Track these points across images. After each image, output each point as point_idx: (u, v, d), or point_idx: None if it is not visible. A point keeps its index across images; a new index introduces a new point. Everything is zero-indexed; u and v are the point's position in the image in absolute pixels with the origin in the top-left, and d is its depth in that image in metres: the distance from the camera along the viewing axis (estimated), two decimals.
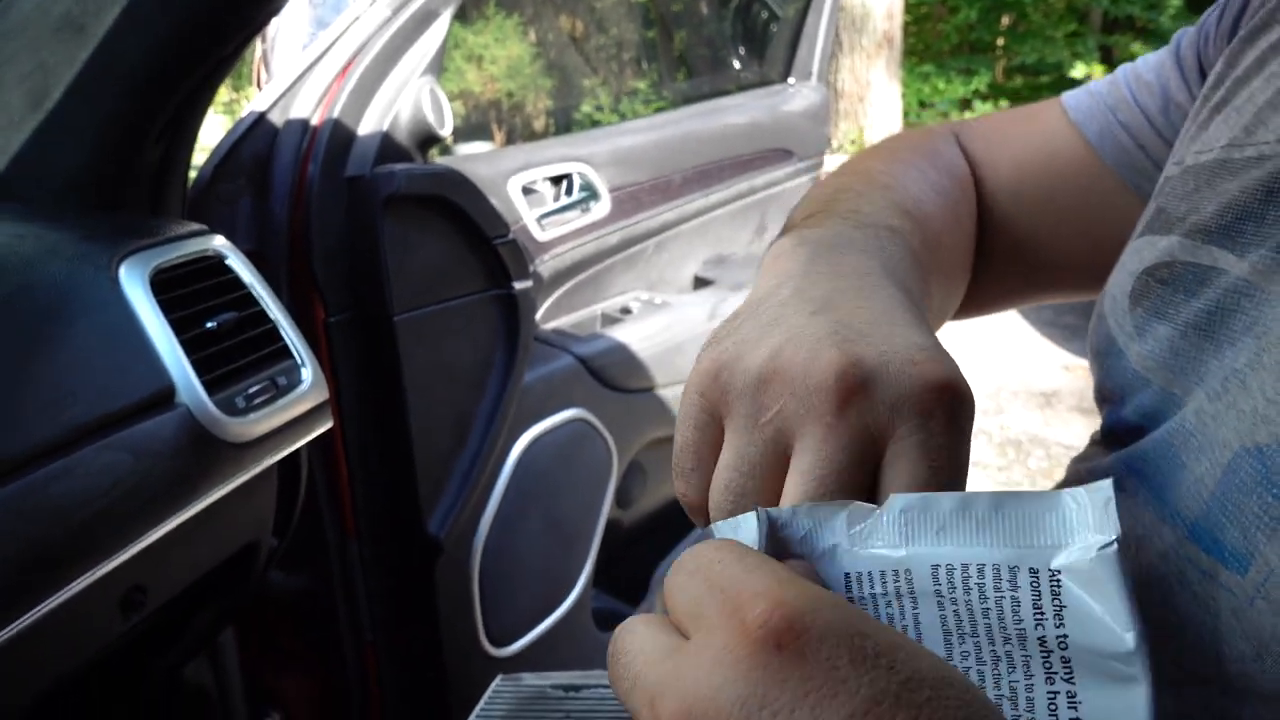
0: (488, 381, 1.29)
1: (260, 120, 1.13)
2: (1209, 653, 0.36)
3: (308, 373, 0.86)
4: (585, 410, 1.43)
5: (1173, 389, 0.42)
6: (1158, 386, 0.43)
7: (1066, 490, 0.30)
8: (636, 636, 0.29)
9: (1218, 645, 0.36)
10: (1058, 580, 0.29)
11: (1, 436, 0.64)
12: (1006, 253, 0.65)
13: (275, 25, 1.24)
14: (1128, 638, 0.28)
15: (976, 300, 0.67)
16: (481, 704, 1.01)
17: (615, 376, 1.47)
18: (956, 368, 0.36)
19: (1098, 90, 0.63)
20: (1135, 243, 0.49)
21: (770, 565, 0.28)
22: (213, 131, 1.14)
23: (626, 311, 1.66)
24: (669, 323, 1.59)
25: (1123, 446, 0.45)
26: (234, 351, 0.81)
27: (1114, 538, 0.28)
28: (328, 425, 0.89)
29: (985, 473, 3.27)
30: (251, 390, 0.80)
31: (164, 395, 0.74)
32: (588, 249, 1.56)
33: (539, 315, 1.53)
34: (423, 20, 1.21)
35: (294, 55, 1.20)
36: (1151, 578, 0.40)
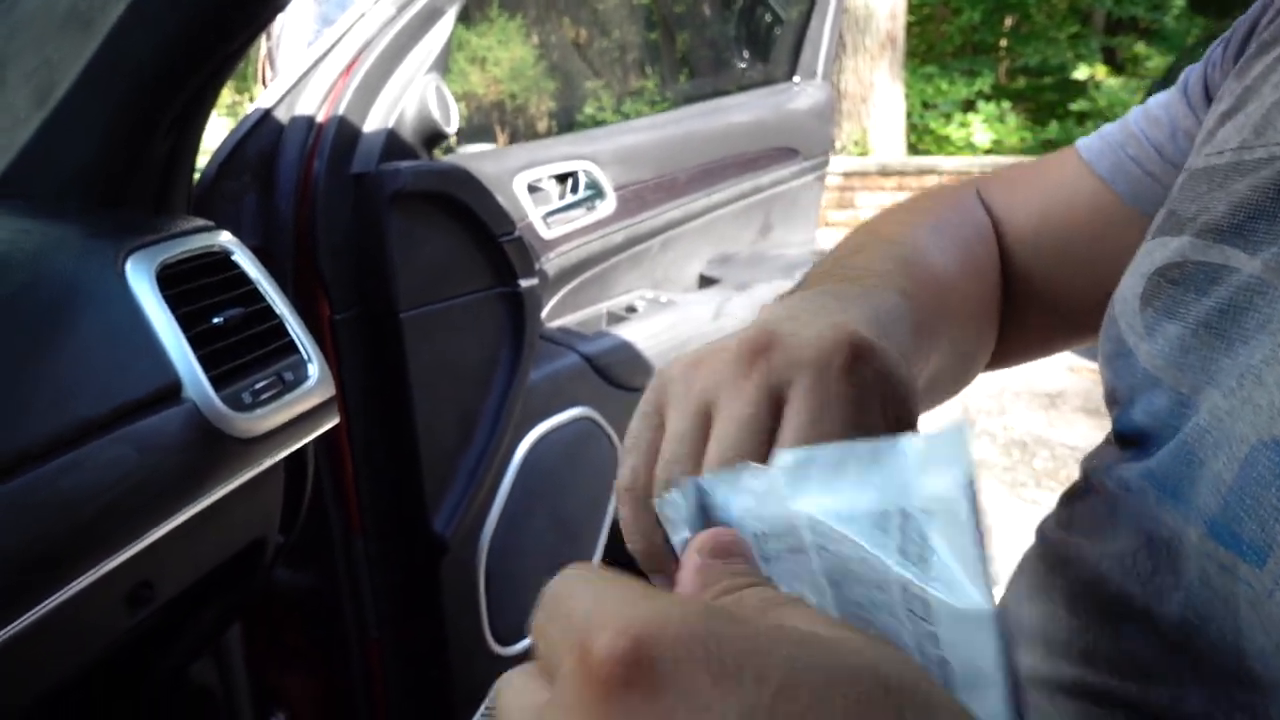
0: (493, 379, 1.29)
1: (265, 117, 1.13)
2: (1230, 649, 0.36)
3: (314, 368, 0.86)
4: (591, 409, 1.42)
5: (1181, 388, 0.42)
6: (1168, 386, 0.43)
7: (927, 435, 0.30)
8: (511, 692, 0.26)
9: (1238, 641, 0.35)
10: (918, 521, 0.29)
11: (7, 431, 0.63)
12: (1030, 300, 0.65)
13: (280, 22, 1.24)
14: (975, 579, 0.28)
15: (1007, 350, 0.67)
16: (486, 702, 1.01)
17: (621, 375, 1.47)
18: (866, 336, 0.38)
19: (1109, 132, 0.64)
20: (1146, 245, 0.49)
21: (619, 585, 0.24)
22: (216, 134, 1.13)
23: (632, 310, 1.66)
24: (674, 321, 1.59)
25: (1134, 448, 0.45)
26: (240, 347, 0.81)
27: (968, 478, 0.28)
28: (334, 421, 0.88)
29: (991, 473, 3.26)
30: (258, 386, 0.80)
31: (170, 390, 0.73)
32: (593, 247, 1.56)
33: (544, 313, 1.52)
34: (428, 18, 1.21)
35: (299, 52, 1.20)
36: (1179, 582, 0.39)
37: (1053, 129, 8.98)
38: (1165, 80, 6.48)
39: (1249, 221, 0.41)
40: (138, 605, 0.73)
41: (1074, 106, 9.08)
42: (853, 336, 0.37)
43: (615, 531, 1.54)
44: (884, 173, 7.60)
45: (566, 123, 3.60)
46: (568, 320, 1.60)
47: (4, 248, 0.74)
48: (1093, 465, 0.51)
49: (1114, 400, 0.48)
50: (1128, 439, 0.46)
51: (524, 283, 1.28)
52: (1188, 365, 0.42)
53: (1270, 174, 0.41)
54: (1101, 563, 0.44)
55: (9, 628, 0.60)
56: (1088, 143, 0.65)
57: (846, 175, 7.63)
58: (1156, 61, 8.99)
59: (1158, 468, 0.42)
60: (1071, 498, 0.52)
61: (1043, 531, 0.53)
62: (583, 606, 0.24)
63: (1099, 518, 0.47)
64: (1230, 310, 0.40)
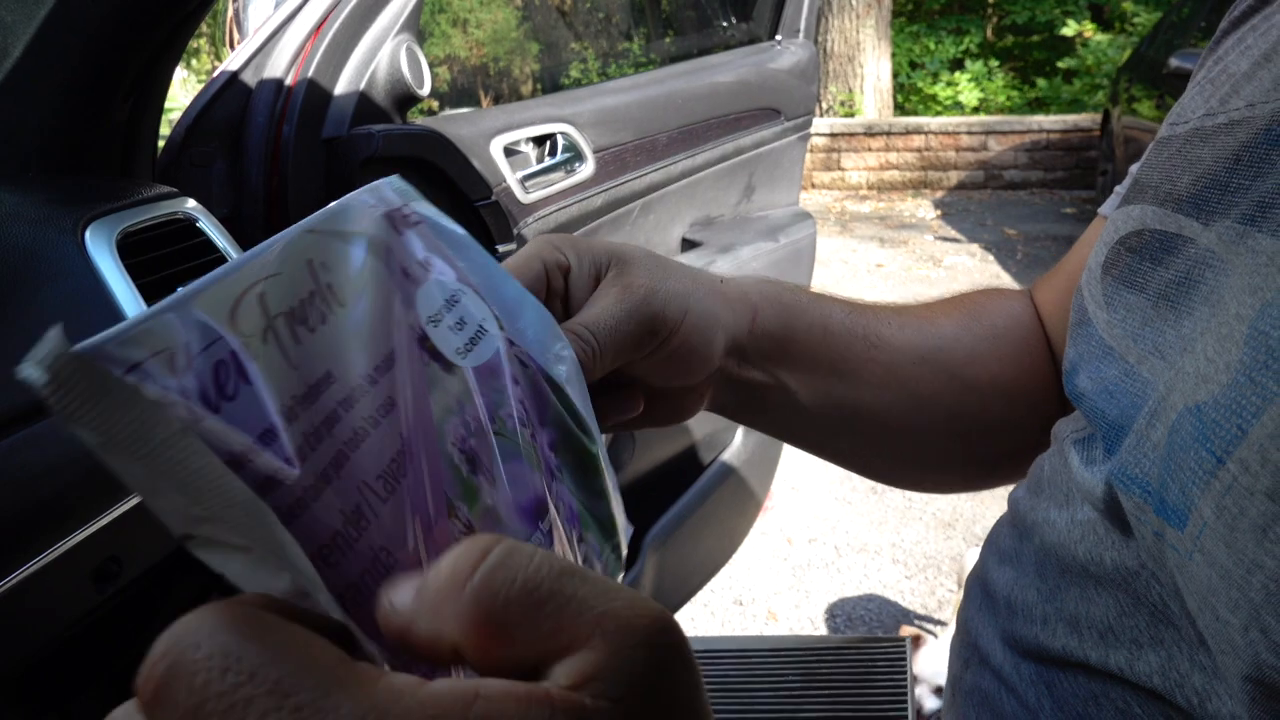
0: None
1: (232, 80, 1.10)
2: (1177, 611, 0.37)
3: None
4: None
5: (1129, 358, 0.42)
6: (1118, 356, 0.43)
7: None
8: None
9: (1181, 603, 0.36)
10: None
11: None
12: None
13: None
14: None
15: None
16: None
17: None
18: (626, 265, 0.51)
19: (1123, 186, 0.63)
20: (1112, 215, 0.49)
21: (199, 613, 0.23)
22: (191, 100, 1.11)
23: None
24: None
25: (1085, 415, 0.46)
26: None
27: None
28: None
29: None
30: None
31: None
32: (573, 211, 1.54)
33: None
34: None
35: (266, 13, 1.17)
36: (1129, 546, 0.40)
37: (1041, 86, 8.94)
38: (1151, 37, 6.45)
39: (1205, 190, 0.41)
40: (106, 581, 0.72)
41: (1062, 64, 9.03)
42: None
43: None
44: (870, 133, 7.56)
45: (551, 85, 3.56)
46: None
47: None
48: (1058, 431, 0.51)
49: (1068, 366, 0.49)
50: (1079, 406, 0.47)
51: (502, 248, 1.26)
52: (1142, 337, 0.42)
53: (1229, 141, 0.41)
54: (1065, 529, 0.45)
55: None
56: (1109, 202, 0.61)
57: (833, 136, 7.59)
58: (1144, 18, 8.94)
59: (1105, 438, 0.43)
60: (1041, 464, 0.52)
61: (1014, 498, 0.54)
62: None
63: (1062, 484, 0.47)
64: (1185, 284, 0.40)
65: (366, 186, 0.35)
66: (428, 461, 0.30)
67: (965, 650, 0.52)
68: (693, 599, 2.31)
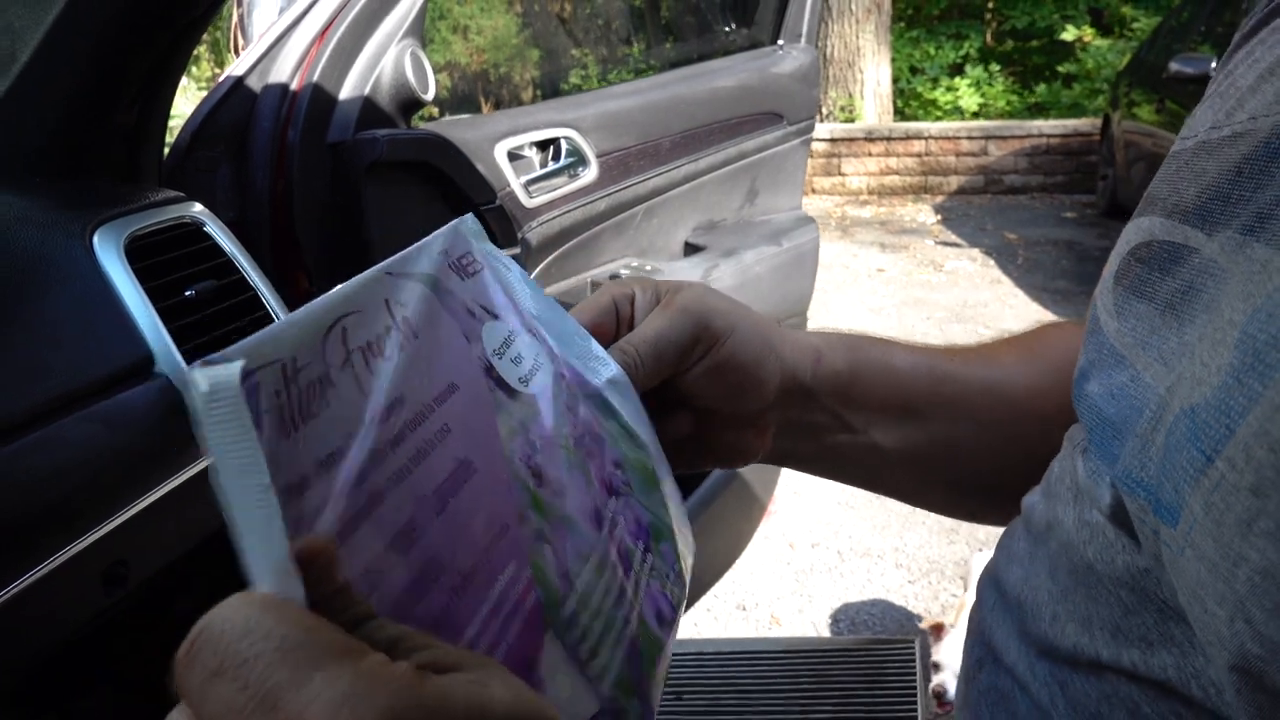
0: None
1: (238, 85, 1.10)
2: (1179, 610, 0.38)
3: None
4: None
5: (1138, 365, 0.43)
6: (1129, 363, 0.44)
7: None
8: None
9: (1176, 602, 0.37)
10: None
11: None
12: None
13: None
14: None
15: None
16: None
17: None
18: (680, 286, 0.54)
19: None
20: (1126, 227, 0.50)
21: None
22: (193, 108, 1.12)
23: (616, 279, 1.64)
24: None
25: (1094, 421, 0.46)
26: (214, 321, 0.79)
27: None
28: None
29: None
30: None
31: (142, 365, 0.72)
32: (576, 215, 1.54)
33: None
34: None
35: (271, 19, 1.17)
36: (1136, 547, 0.41)
37: (1040, 91, 8.95)
38: (1151, 42, 6.45)
39: (1210, 202, 0.42)
40: (114, 585, 0.72)
41: (1061, 68, 9.04)
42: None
43: None
44: (870, 138, 7.57)
45: (551, 92, 3.56)
46: (552, 290, 1.58)
47: None
48: (1071, 435, 0.52)
49: (1080, 374, 0.49)
50: (1087, 412, 0.47)
51: (505, 252, 1.26)
52: (1149, 344, 0.43)
53: (1233, 153, 0.42)
54: (1074, 529, 0.46)
55: None
56: None
57: (833, 141, 7.60)
58: (1143, 23, 8.95)
59: (1103, 440, 0.44)
60: (1052, 466, 0.53)
61: (1027, 502, 0.54)
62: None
63: (1070, 486, 0.48)
64: (1189, 292, 0.41)
65: (442, 230, 0.41)
66: (494, 478, 0.34)
67: (979, 649, 0.52)
68: (696, 604, 2.31)
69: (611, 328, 0.53)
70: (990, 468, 0.61)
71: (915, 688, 0.87)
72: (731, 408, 0.55)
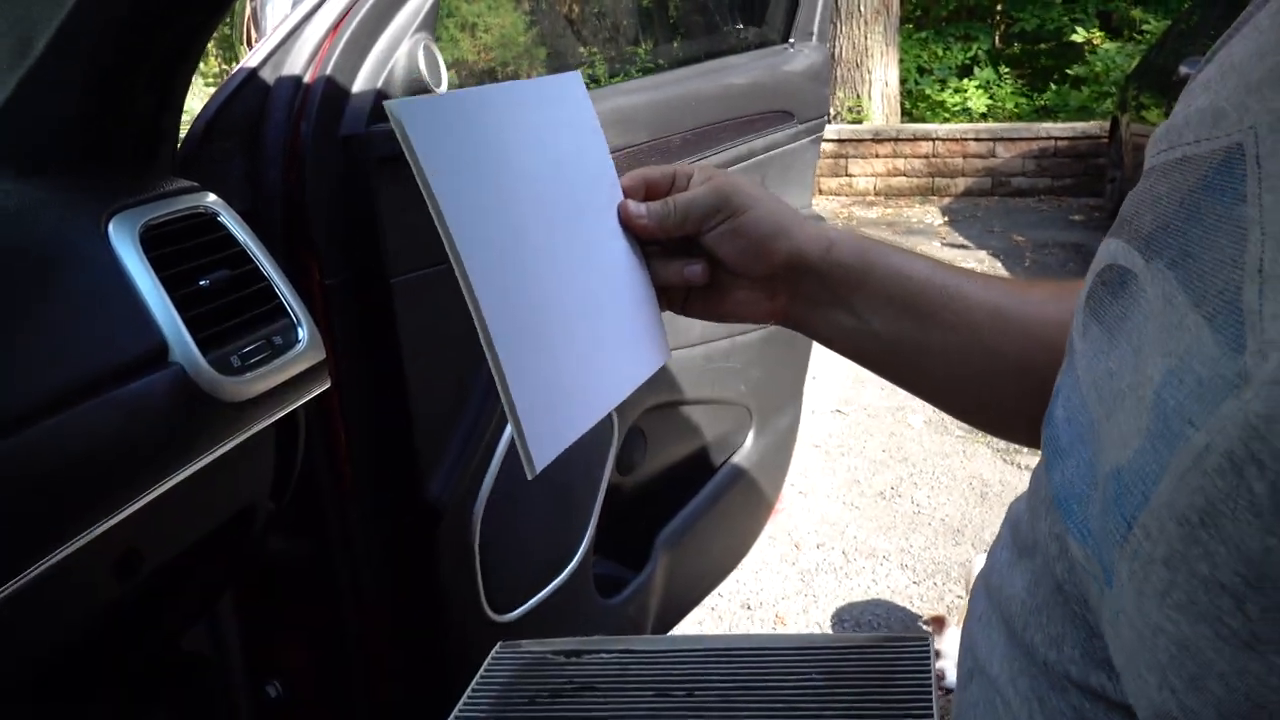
0: None
1: (251, 77, 1.10)
2: (1115, 670, 0.38)
3: (304, 332, 0.84)
4: None
5: (1083, 388, 0.43)
6: (1083, 385, 0.44)
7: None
8: None
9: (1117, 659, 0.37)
10: None
11: None
12: None
13: None
14: None
15: None
16: (482, 671, 1.01)
17: None
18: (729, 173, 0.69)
19: None
20: (1100, 247, 0.49)
21: None
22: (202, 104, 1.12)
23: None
24: None
25: (1052, 447, 0.46)
26: (228, 310, 0.79)
27: None
28: (325, 386, 0.87)
29: (985, 441, 3.27)
30: (246, 349, 0.78)
31: (157, 354, 0.72)
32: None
33: None
34: None
35: (285, 11, 1.17)
36: (1085, 582, 0.41)
37: (1049, 94, 8.93)
38: (1160, 45, 6.44)
39: (1158, 230, 0.41)
40: (126, 573, 0.72)
41: (1070, 71, 9.02)
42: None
43: (611, 499, 1.54)
44: (878, 139, 7.56)
45: None
46: None
47: None
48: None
49: (1054, 394, 0.49)
50: (1049, 441, 0.47)
51: None
52: (1094, 367, 0.42)
53: (1179, 179, 0.41)
54: (1047, 543, 0.45)
55: None
56: None
57: (840, 142, 7.59)
58: (1153, 26, 8.92)
59: (1058, 471, 0.44)
60: (1036, 470, 0.52)
61: (1014, 508, 0.54)
62: None
63: (1046, 499, 0.48)
64: (1122, 317, 0.41)
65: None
66: None
67: (969, 660, 0.52)
68: (701, 603, 2.31)
69: (666, 187, 0.70)
70: (977, 383, 0.69)
71: (930, 685, 0.87)
72: (743, 268, 0.69)
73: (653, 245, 0.71)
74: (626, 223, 0.69)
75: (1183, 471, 0.32)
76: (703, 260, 0.70)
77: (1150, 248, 0.40)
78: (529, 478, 0.61)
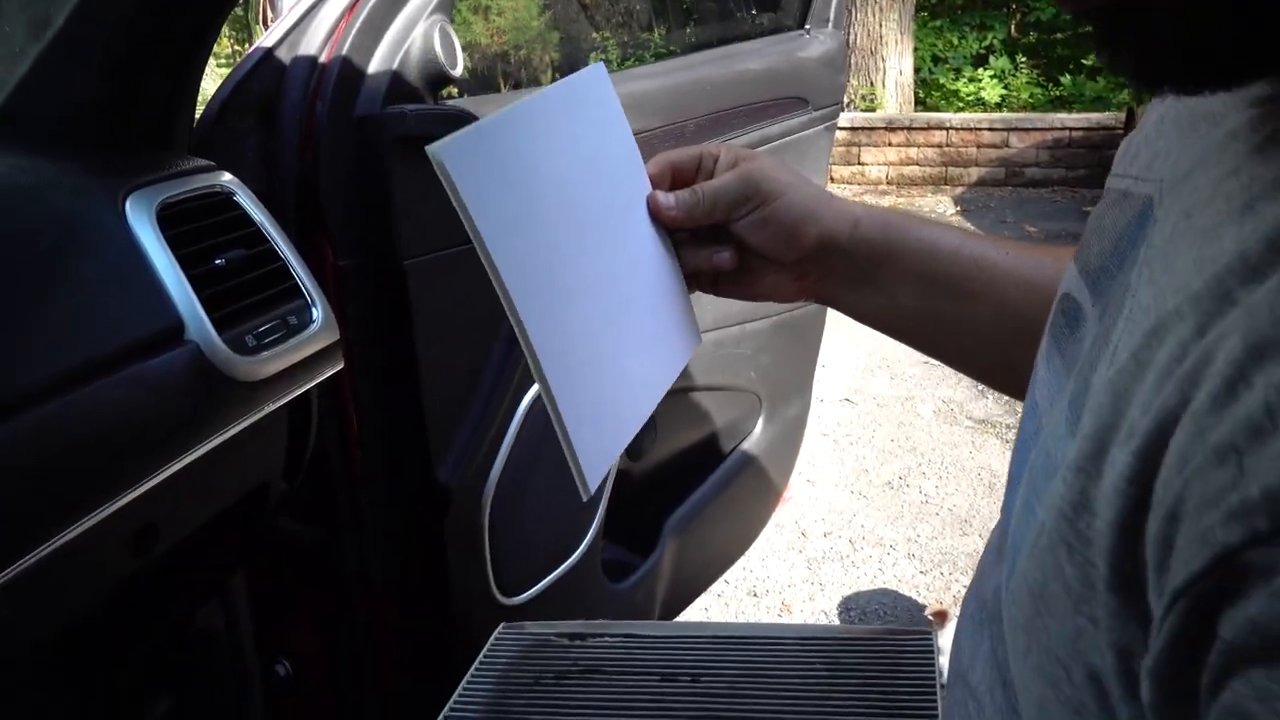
0: (499, 329, 1.27)
1: (267, 57, 1.10)
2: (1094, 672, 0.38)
3: (318, 312, 0.84)
4: None
5: (1039, 417, 0.42)
6: (1038, 414, 0.43)
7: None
8: None
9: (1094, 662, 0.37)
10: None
11: (9, 372, 0.62)
12: None
13: None
14: None
15: None
16: (485, 652, 1.01)
17: None
18: (756, 156, 0.70)
19: None
20: (1068, 268, 0.48)
21: None
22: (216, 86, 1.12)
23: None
24: None
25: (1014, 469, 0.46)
26: (243, 290, 0.80)
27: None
28: (338, 367, 0.87)
29: (994, 430, 3.26)
30: (261, 329, 0.79)
31: (173, 331, 0.72)
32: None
33: None
34: None
35: None
36: None
37: (1065, 84, 8.87)
38: None
39: (1099, 269, 0.40)
40: (144, 548, 0.73)
41: (1086, 61, 8.95)
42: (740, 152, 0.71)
43: (620, 484, 1.54)
44: (891, 127, 7.52)
45: (570, 73, 3.53)
46: None
47: (1, 184, 0.73)
48: None
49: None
50: (1016, 458, 0.47)
51: None
52: (1054, 400, 0.42)
53: (1119, 215, 0.40)
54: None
55: (14, 566, 0.60)
56: None
57: (853, 130, 7.55)
58: None
59: (1009, 488, 0.44)
60: None
61: (1006, 507, 0.53)
62: None
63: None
64: (1084, 358, 0.39)
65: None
66: None
67: (953, 663, 0.52)
68: (708, 589, 2.31)
69: (693, 171, 0.70)
70: (1007, 351, 0.68)
71: (934, 679, 0.87)
72: (773, 254, 0.69)
73: (681, 233, 0.71)
74: (655, 214, 0.68)
75: (1030, 546, 0.33)
76: (731, 246, 0.69)
77: (1095, 288, 0.40)
78: (583, 499, 0.61)
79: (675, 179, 0.70)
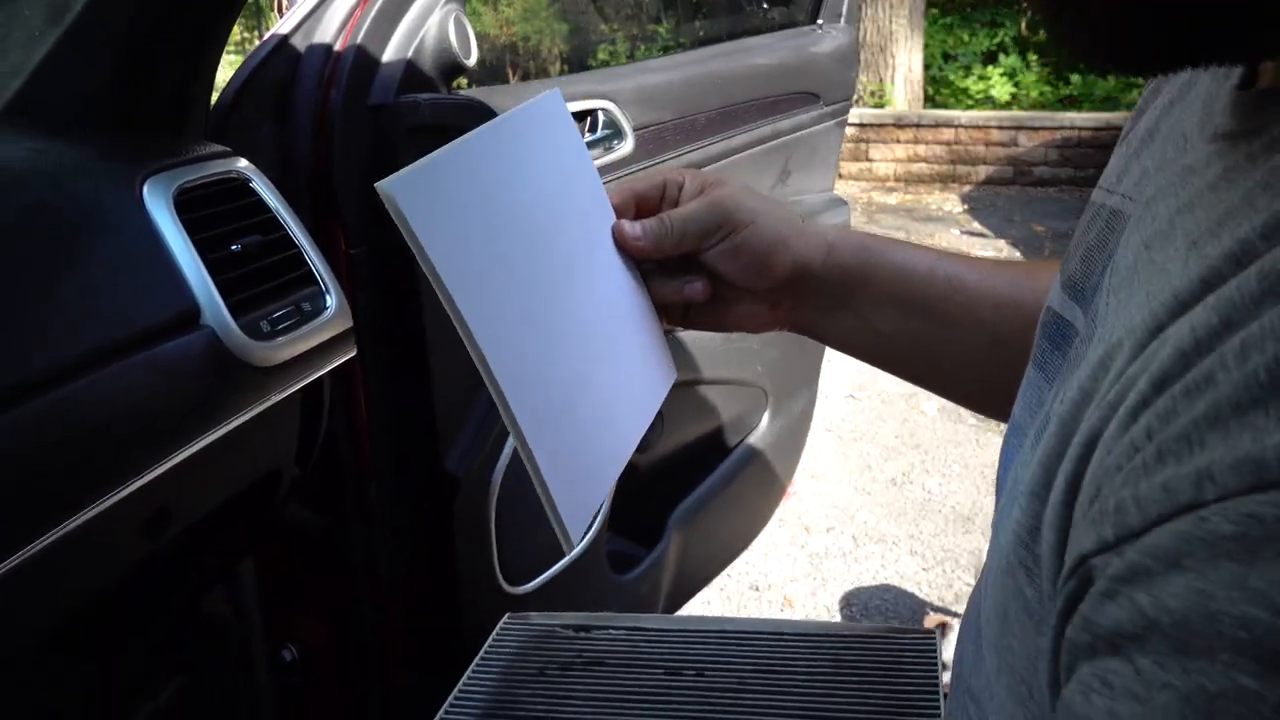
0: None
1: (282, 44, 1.10)
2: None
3: (332, 299, 0.85)
4: None
5: (1021, 428, 0.43)
6: (1017, 435, 0.43)
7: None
8: None
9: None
10: None
11: (25, 355, 0.63)
12: None
13: None
14: None
15: None
16: (489, 642, 1.01)
17: None
18: (724, 183, 0.67)
19: None
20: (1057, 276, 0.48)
21: None
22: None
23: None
24: None
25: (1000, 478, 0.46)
26: (258, 275, 0.80)
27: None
28: (351, 354, 0.88)
29: (990, 424, 3.26)
30: (276, 315, 0.79)
31: (189, 316, 0.72)
32: (612, 188, 1.53)
33: None
34: None
35: None
36: None
37: (1075, 83, 8.84)
38: None
39: (1081, 281, 0.40)
40: (156, 531, 0.73)
41: None
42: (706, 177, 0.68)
43: (625, 476, 1.54)
44: (899, 124, 7.50)
45: (579, 67, 3.54)
46: None
47: (20, 167, 0.73)
48: None
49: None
50: (1002, 467, 0.47)
51: None
52: (1034, 414, 0.42)
53: (1096, 226, 0.41)
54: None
55: (29, 548, 0.60)
56: None
57: (861, 127, 7.54)
58: None
59: (997, 499, 0.45)
60: None
61: None
62: None
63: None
64: (1068, 373, 0.40)
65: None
66: None
67: (955, 666, 0.52)
68: (710, 583, 2.32)
69: (657, 199, 0.67)
70: (986, 372, 0.67)
71: (937, 680, 0.87)
72: (745, 283, 0.66)
73: (649, 263, 0.67)
74: (622, 245, 0.65)
75: (996, 568, 0.34)
76: (703, 277, 0.66)
77: (1083, 300, 0.40)
78: (565, 553, 0.59)
79: (639, 208, 0.67)
